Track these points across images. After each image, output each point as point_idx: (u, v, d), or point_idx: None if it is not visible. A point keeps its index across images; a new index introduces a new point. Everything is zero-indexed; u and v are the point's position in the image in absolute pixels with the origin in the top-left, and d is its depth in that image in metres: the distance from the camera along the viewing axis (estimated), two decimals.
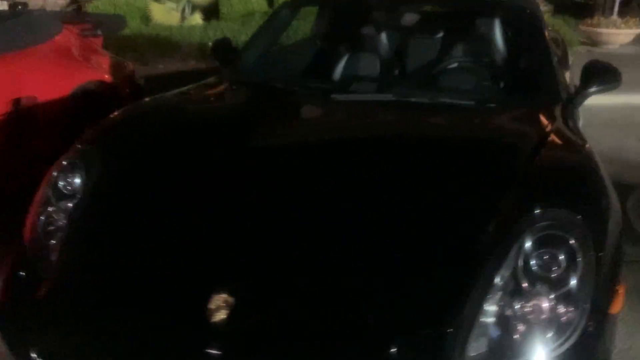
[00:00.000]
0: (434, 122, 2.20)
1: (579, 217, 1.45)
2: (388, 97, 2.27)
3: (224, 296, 1.32)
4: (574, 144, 1.91)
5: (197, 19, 8.61)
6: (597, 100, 6.07)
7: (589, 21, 9.61)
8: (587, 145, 1.90)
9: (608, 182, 1.80)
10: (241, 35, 6.68)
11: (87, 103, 3.40)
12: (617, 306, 1.46)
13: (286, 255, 1.44)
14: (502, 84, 2.60)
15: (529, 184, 1.59)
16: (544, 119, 2.05)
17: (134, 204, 1.67)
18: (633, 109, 5.92)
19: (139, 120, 2.12)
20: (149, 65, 7.43)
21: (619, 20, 9.37)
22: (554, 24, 8.32)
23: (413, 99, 2.27)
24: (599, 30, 9.36)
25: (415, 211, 1.55)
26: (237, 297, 1.33)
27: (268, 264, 1.43)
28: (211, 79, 2.68)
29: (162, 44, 7.20)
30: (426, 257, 1.43)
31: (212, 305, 1.31)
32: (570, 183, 1.63)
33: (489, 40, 2.89)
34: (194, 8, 8.90)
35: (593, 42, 9.54)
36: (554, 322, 1.32)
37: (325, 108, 2.25)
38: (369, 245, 1.46)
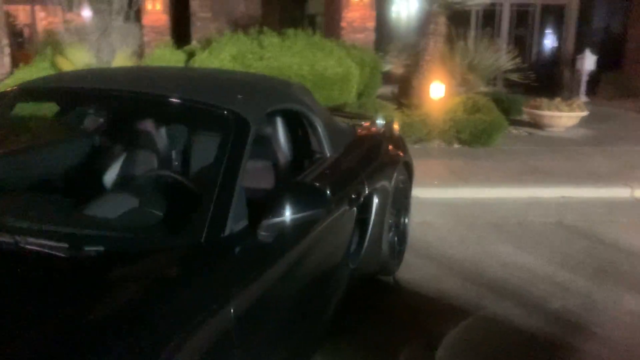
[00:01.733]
0: None
1: None
2: None
3: None
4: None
5: None
6: (504, 194, 5.60)
7: (532, 103, 9.29)
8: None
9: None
10: None
11: None
12: None
13: None
14: (148, 214, 2.05)
15: None
16: (131, 272, 1.60)
17: None
18: (546, 206, 5.37)
19: None
20: None
21: (562, 103, 9.02)
22: (484, 108, 8.01)
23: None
24: (541, 112, 9.01)
25: None
26: None
27: None
28: None
29: None
30: None
31: None
32: None
33: (169, 155, 2.42)
34: None
35: (538, 124, 9.18)
36: None
37: None
38: None
